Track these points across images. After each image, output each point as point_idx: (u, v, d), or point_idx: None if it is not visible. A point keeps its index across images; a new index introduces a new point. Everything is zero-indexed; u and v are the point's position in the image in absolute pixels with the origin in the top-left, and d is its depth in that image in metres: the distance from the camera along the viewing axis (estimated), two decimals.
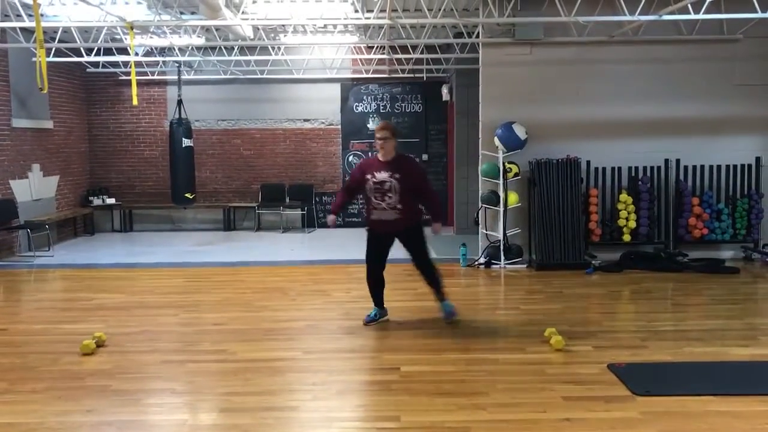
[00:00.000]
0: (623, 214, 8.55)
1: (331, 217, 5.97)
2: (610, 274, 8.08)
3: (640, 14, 7.40)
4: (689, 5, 7.03)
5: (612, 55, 8.64)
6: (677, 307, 6.67)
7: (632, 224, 8.55)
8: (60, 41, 9.41)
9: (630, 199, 8.56)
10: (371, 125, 12.77)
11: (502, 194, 8.45)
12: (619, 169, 8.68)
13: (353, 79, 12.74)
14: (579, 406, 4.06)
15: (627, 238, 8.57)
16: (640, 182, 8.62)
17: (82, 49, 10.08)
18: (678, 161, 8.67)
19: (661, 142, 8.65)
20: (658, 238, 8.68)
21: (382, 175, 5.58)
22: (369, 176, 5.63)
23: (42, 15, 5.95)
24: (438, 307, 6.02)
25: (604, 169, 8.67)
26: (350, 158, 12.86)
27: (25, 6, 7.85)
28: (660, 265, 8.18)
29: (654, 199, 8.64)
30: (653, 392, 4.23)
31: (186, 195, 10.65)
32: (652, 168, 8.68)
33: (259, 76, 12.21)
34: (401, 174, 5.58)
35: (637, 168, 8.68)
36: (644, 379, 4.45)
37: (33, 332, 5.92)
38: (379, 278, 5.96)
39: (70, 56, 10.63)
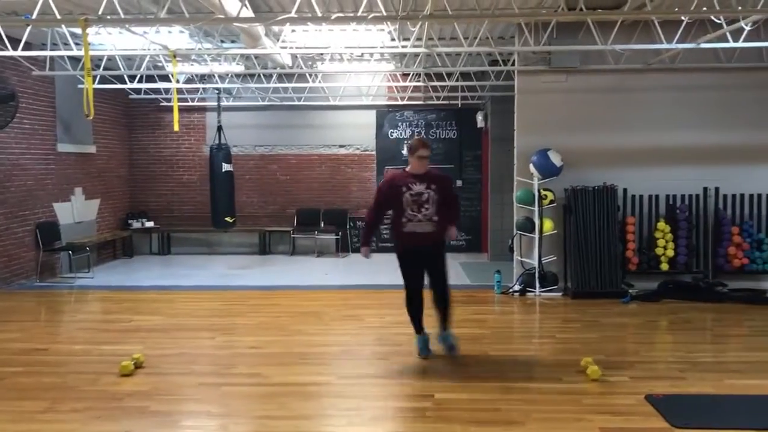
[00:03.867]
0: (661, 242, 8.45)
1: (364, 249, 5.93)
2: (648, 303, 7.96)
3: (677, 42, 7.38)
4: (728, 33, 6.98)
5: (649, 83, 8.60)
6: (717, 339, 6.55)
7: (670, 253, 8.43)
8: (104, 69, 9.70)
9: (668, 228, 8.45)
10: (405, 152, 12.82)
11: (537, 221, 8.42)
12: (657, 197, 8.60)
13: (388, 106, 12.88)
14: None
15: (665, 267, 8.45)
16: (678, 210, 8.51)
17: (125, 77, 10.37)
18: (717, 189, 8.54)
19: (700, 170, 8.54)
20: (696, 268, 8.54)
21: (418, 188, 5.63)
22: (404, 189, 5.64)
23: (89, 44, 6.17)
24: (439, 337, 5.80)
25: (641, 196, 8.59)
26: None
27: (73, 35, 8.13)
28: (699, 295, 8.03)
29: (692, 227, 8.51)
30: (692, 425, 4.15)
31: (226, 219, 10.78)
32: (690, 196, 8.57)
33: (296, 102, 12.41)
34: (437, 185, 5.67)
35: (675, 196, 8.58)
36: (683, 411, 4.37)
37: (73, 352, 6.03)
38: (422, 300, 5.78)
39: (113, 83, 10.96)
